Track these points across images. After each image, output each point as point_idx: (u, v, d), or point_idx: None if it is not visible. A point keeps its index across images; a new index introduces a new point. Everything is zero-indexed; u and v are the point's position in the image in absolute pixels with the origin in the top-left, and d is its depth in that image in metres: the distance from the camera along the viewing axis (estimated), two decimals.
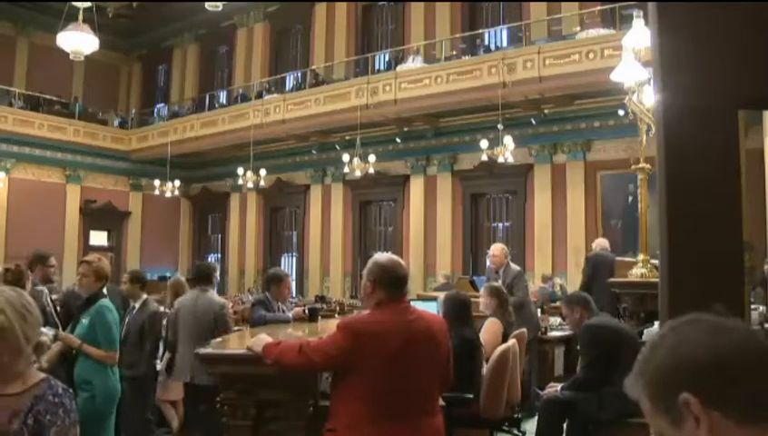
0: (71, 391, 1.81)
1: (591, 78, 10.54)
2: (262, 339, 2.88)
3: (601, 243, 7.84)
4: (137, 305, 5.17)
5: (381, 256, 2.78)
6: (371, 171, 13.22)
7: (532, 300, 7.45)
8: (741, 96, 1.63)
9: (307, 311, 5.31)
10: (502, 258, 6.88)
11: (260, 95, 16.74)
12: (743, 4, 1.63)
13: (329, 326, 4.46)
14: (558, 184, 13.07)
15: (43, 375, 1.80)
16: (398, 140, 15.14)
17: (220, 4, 14.61)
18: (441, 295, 6.85)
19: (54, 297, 5.44)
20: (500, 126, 11.45)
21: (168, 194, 16.96)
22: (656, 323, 4.11)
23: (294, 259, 17.77)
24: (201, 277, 5.29)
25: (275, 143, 16.70)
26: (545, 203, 13.16)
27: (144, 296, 5.22)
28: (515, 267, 6.95)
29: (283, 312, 5.31)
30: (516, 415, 5.45)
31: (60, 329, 4.24)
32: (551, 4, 13.11)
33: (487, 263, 7.43)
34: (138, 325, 5.04)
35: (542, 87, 11.86)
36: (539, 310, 7.80)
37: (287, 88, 17.12)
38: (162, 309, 5.78)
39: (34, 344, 1.80)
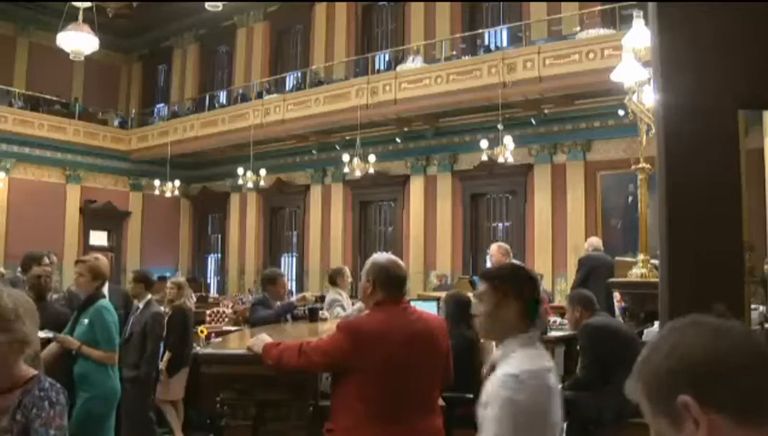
0: (59, 385, 1.83)
1: (591, 78, 10.53)
2: (262, 339, 2.88)
3: (593, 243, 7.79)
4: (141, 305, 5.18)
5: (380, 256, 2.78)
6: (371, 171, 13.22)
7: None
8: (741, 96, 1.63)
9: (307, 311, 5.33)
10: (499, 256, 6.85)
11: (260, 95, 16.74)
12: (742, 4, 1.63)
13: (329, 326, 4.46)
14: (558, 184, 13.07)
15: (33, 373, 1.82)
16: (398, 140, 15.14)
17: (220, 4, 14.61)
18: (442, 294, 6.86)
19: (54, 297, 5.44)
20: (500, 126, 11.44)
21: (168, 194, 16.96)
22: (656, 323, 4.11)
23: (294, 259, 17.77)
24: (330, 279, 6.30)
25: (275, 143, 16.70)
26: (545, 203, 13.16)
27: (149, 296, 5.23)
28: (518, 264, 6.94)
29: None
30: None
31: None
32: (551, 4, 13.11)
33: (488, 264, 7.44)
34: (141, 326, 5.04)
35: (542, 87, 11.85)
36: None
37: (287, 88, 17.12)
38: (163, 309, 5.79)
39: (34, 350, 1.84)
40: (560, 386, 4.56)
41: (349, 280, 6.23)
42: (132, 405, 4.74)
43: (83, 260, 4.13)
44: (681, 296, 1.60)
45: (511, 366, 1.96)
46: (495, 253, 6.90)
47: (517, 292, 2.04)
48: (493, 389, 1.93)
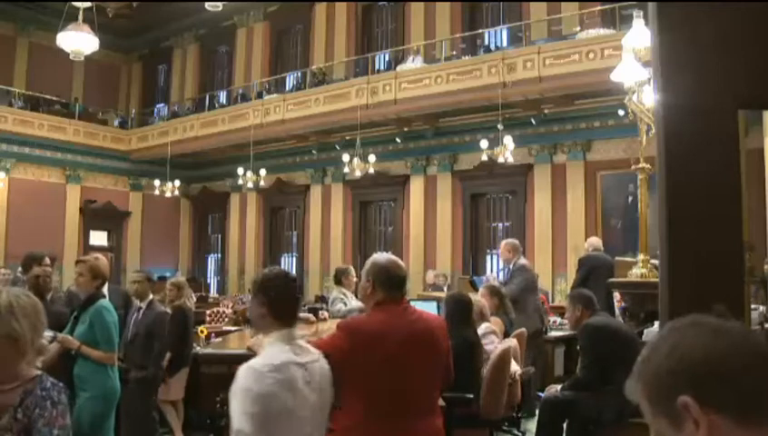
0: (61, 385, 1.83)
1: (591, 78, 10.53)
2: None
3: (593, 243, 7.83)
4: (143, 306, 5.17)
5: (380, 256, 2.78)
6: (371, 171, 13.22)
7: (539, 295, 7.40)
8: (741, 96, 1.63)
9: (307, 311, 5.35)
10: (506, 253, 6.98)
11: (260, 95, 16.74)
12: (742, 5, 1.63)
13: (329, 326, 4.46)
14: (558, 184, 13.07)
15: (36, 372, 1.83)
16: (398, 140, 15.14)
17: (220, 4, 14.61)
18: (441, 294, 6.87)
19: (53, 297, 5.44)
20: (500, 126, 11.43)
21: (168, 194, 16.95)
22: (656, 323, 4.11)
23: (294, 259, 17.77)
24: (335, 278, 6.35)
25: (275, 143, 16.70)
26: (545, 203, 13.16)
27: (151, 296, 5.24)
28: (520, 261, 7.00)
29: None
30: (515, 415, 5.46)
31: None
32: (551, 4, 13.11)
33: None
34: (146, 326, 5.03)
35: (542, 87, 11.85)
36: None
37: (287, 88, 17.12)
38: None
39: (37, 348, 1.85)
40: (560, 386, 4.56)
41: (355, 279, 6.19)
42: (139, 406, 4.73)
43: (83, 260, 4.13)
44: (681, 296, 1.60)
45: (259, 359, 2.22)
46: (502, 251, 7.04)
47: (264, 295, 2.30)
48: (237, 377, 2.15)
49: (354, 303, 5.63)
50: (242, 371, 2.15)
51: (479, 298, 5.38)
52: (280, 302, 2.29)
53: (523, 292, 6.64)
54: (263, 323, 2.33)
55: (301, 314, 5.57)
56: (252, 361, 2.20)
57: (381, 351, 2.52)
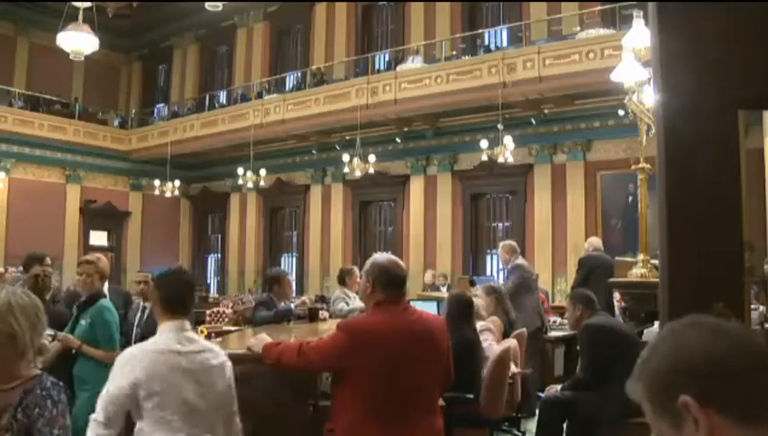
0: (61, 384, 1.83)
1: (591, 78, 10.53)
2: (263, 339, 2.89)
3: (593, 243, 7.83)
4: (148, 306, 5.16)
5: (380, 256, 2.79)
6: (371, 171, 13.22)
7: (539, 295, 7.40)
8: (741, 96, 1.63)
9: (307, 311, 5.35)
10: (504, 255, 7.05)
11: (260, 95, 16.74)
12: (742, 5, 1.63)
13: (329, 326, 4.47)
14: (558, 184, 13.07)
15: (36, 372, 1.83)
16: (398, 140, 15.13)
17: (220, 4, 14.60)
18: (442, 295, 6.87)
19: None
20: (500, 126, 11.44)
21: (168, 194, 16.96)
22: (656, 323, 4.11)
23: (294, 259, 17.77)
24: (339, 278, 6.49)
25: (275, 143, 16.70)
26: (545, 203, 13.16)
27: None
28: (516, 261, 7.01)
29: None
30: (515, 414, 5.46)
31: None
32: (551, 4, 13.11)
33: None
34: (154, 326, 5.02)
35: (542, 87, 11.85)
36: None
37: (287, 88, 17.12)
38: None
39: (37, 348, 1.84)
40: (560, 386, 4.55)
41: (358, 280, 6.17)
42: None
43: (91, 260, 4.12)
44: (681, 296, 1.60)
45: (139, 345, 2.47)
46: (500, 252, 7.10)
47: (157, 290, 2.59)
48: (116, 359, 2.41)
49: (356, 304, 5.63)
50: (121, 355, 2.40)
51: (475, 297, 5.39)
52: (169, 297, 2.52)
53: (518, 291, 6.63)
54: (156, 314, 2.57)
55: (298, 300, 5.64)
56: (131, 347, 2.44)
57: (381, 351, 2.52)
